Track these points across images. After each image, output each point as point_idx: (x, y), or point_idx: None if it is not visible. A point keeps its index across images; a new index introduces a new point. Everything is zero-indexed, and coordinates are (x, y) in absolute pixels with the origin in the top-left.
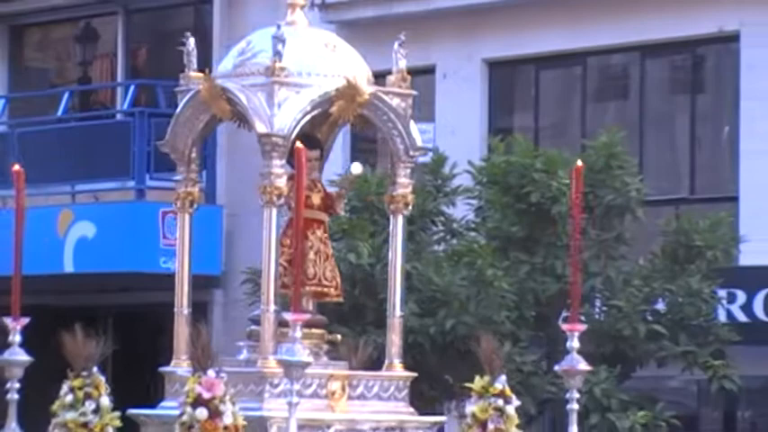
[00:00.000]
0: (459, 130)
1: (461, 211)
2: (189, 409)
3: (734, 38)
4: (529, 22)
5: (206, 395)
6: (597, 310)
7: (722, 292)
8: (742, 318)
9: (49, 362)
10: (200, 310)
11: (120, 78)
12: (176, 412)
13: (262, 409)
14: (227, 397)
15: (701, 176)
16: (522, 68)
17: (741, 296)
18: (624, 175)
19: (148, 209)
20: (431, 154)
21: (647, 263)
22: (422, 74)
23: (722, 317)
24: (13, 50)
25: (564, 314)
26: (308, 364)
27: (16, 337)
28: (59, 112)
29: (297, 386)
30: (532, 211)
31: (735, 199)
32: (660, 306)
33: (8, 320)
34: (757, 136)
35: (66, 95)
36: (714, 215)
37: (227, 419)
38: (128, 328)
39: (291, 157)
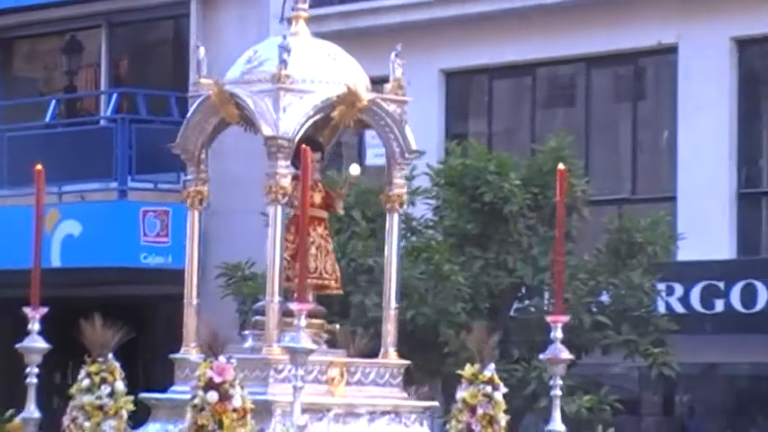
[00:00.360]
0: (418, 135)
1: (420, 210)
2: (200, 393)
3: (672, 50)
4: (483, 36)
5: (217, 379)
6: (546, 301)
7: (661, 286)
8: (680, 309)
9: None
10: (179, 301)
11: (103, 87)
12: (187, 396)
13: (267, 393)
14: (237, 381)
15: (642, 178)
16: (476, 78)
17: (679, 289)
18: (571, 177)
19: (130, 208)
20: None
21: (591, 258)
22: (382, 83)
23: (661, 308)
24: (4, 61)
25: (515, 305)
26: (311, 351)
27: (35, 326)
28: (47, 119)
29: (301, 371)
30: (486, 210)
31: (673, 199)
32: (604, 298)
33: (28, 310)
34: (694, 141)
35: (53, 103)
36: (654, 214)
37: (237, 402)
38: (112, 320)
39: (295, 159)
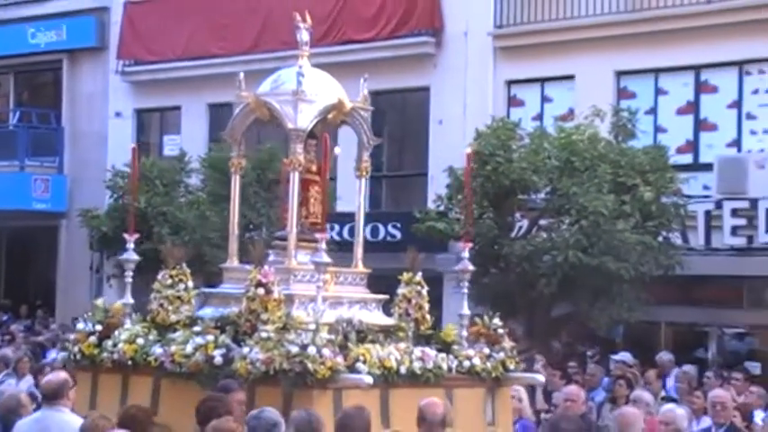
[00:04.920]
0: (192, 138)
1: (195, 180)
2: (253, 288)
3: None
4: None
5: (263, 280)
6: (264, 233)
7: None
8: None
9: None
10: (55, 230)
11: (11, 107)
12: (232, 291)
13: (290, 289)
14: (276, 281)
15: None
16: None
17: (337, 227)
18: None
19: (26, 176)
20: (180, 149)
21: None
22: (171, 111)
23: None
24: None
25: (247, 234)
26: (330, 264)
27: (131, 245)
28: None
29: (322, 276)
30: (231, 181)
31: (335, 178)
32: None
33: (126, 235)
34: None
35: None
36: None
37: (276, 295)
38: (15, 242)
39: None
